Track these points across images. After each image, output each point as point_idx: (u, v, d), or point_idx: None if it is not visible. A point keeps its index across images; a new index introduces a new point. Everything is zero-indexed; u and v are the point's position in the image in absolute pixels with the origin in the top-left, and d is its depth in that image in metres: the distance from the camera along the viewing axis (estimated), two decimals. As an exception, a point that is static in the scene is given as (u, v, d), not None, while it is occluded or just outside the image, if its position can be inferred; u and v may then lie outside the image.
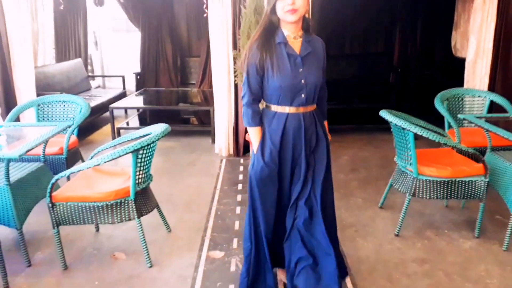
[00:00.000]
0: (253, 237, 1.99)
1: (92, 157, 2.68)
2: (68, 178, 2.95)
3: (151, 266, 2.44)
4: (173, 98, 6.04)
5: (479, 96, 3.67)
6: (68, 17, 6.16)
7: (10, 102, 4.27)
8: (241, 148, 4.43)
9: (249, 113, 1.92)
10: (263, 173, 1.90)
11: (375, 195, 3.33)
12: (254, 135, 1.95)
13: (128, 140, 2.72)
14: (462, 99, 3.68)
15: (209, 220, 3.00)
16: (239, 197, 3.38)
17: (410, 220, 2.97)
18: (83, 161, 3.46)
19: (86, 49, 6.70)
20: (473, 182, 2.66)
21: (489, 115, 3.33)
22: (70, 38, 6.28)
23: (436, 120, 3.39)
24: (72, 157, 3.30)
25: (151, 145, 2.38)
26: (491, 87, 4.21)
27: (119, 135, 5.13)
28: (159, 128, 2.50)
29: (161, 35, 6.87)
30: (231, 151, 4.46)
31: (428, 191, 2.69)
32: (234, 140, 4.43)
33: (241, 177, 3.84)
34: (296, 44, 1.87)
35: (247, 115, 1.93)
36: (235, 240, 2.71)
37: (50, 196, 2.31)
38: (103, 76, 7.35)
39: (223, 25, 4.12)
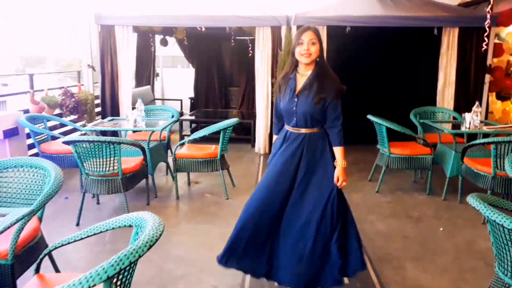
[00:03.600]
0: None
1: (183, 144, 4.44)
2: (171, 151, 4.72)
3: (227, 199, 4.15)
4: (220, 116, 7.86)
5: (442, 112, 5.36)
6: (143, 54, 8.15)
7: (114, 112, 6.15)
8: (275, 148, 6.15)
9: (274, 124, 2.68)
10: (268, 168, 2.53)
11: (367, 175, 4.96)
12: (274, 139, 2.66)
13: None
14: (432, 114, 5.34)
15: (257, 181, 4.70)
16: (275, 174, 5.07)
17: (388, 187, 4.60)
18: (171, 149, 5.23)
19: (153, 79, 8.67)
20: (424, 158, 4.31)
21: (443, 121, 5.00)
22: (143, 70, 8.26)
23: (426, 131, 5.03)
24: (168, 143, 5.07)
25: (231, 127, 4.14)
26: (456, 108, 5.84)
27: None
28: (231, 120, 4.25)
29: (210, 70, 8.83)
30: (267, 150, 6.19)
31: (395, 164, 4.34)
32: (269, 142, 6.17)
33: (275, 165, 5.54)
34: (302, 80, 2.37)
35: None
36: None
37: (175, 154, 4.08)
38: (163, 100, 9.30)
39: (265, 61, 5.95)
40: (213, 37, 8.31)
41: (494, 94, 7.10)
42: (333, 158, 2.40)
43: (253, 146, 6.50)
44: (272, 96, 5.96)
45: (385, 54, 7.60)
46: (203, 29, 6.34)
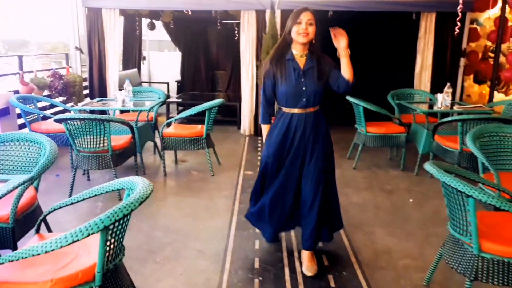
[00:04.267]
0: (257, 197, 2.73)
1: (169, 123, 4.62)
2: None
3: (213, 175, 4.36)
4: (207, 99, 8.00)
5: (418, 94, 5.62)
6: (130, 38, 8.22)
7: (102, 93, 6.28)
8: (259, 130, 6.36)
9: (262, 112, 2.63)
10: (268, 159, 2.59)
11: (346, 153, 5.21)
12: (263, 130, 2.67)
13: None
14: (410, 95, 5.59)
15: (242, 161, 4.93)
16: (259, 153, 5.30)
17: (365, 163, 4.86)
18: (158, 129, 5.39)
19: (139, 62, 8.75)
20: (398, 137, 4.58)
21: (419, 102, 5.27)
22: (130, 53, 8.34)
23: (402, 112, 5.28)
24: (155, 123, 5.24)
25: (216, 107, 4.33)
26: (433, 90, 6.10)
27: (170, 122, 7.09)
28: (217, 100, 4.44)
29: (197, 53, 8.94)
30: (252, 132, 6.40)
31: (372, 142, 4.60)
32: (254, 124, 6.37)
33: (259, 145, 5.76)
34: (301, 61, 2.43)
35: (261, 114, 2.66)
36: (258, 168, 4.61)
37: (162, 133, 4.27)
38: (150, 82, 9.39)
39: (250, 44, 6.12)
40: (199, 21, 8.41)
41: (471, 78, 7.39)
42: (329, 134, 2.61)
43: (239, 127, 6.69)
44: (257, 79, 6.15)
45: (366, 38, 7.78)
46: (190, 13, 6.45)
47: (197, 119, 4.79)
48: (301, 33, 2.35)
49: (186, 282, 2.48)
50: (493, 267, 2.01)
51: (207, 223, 3.26)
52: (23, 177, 2.15)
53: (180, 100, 7.70)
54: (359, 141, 4.72)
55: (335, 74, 2.43)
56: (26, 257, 1.54)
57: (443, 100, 4.51)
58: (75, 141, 3.60)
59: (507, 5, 5.71)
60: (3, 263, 1.59)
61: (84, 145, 3.61)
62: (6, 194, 1.98)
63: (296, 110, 2.46)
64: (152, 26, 8.55)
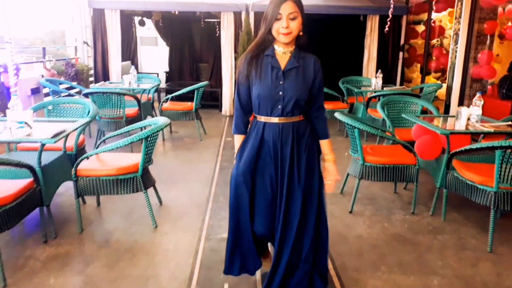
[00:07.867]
0: (232, 227, 2.15)
1: (167, 99, 5.90)
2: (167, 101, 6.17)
3: (201, 140, 5.68)
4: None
5: (365, 81, 7.05)
6: (124, 33, 9.40)
7: (105, 79, 7.48)
8: (237, 110, 7.68)
9: (235, 120, 2.10)
10: (238, 179, 2.06)
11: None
12: (236, 141, 2.13)
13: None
14: (357, 82, 7.00)
15: (224, 131, 6.27)
16: (237, 126, 6.64)
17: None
18: (153, 108, 6.66)
19: (132, 54, 9.94)
20: (342, 111, 5.96)
21: (364, 85, 6.70)
22: (125, 47, 9.52)
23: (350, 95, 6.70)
24: (152, 103, 6.49)
25: (202, 88, 5.63)
26: (377, 79, 7.55)
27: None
28: (203, 82, 5.74)
29: (183, 48, 10.20)
30: (232, 113, 7.72)
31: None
32: (233, 105, 7.69)
33: (237, 122, 7.10)
34: (283, 59, 1.93)
35: (233, 122, 2.12)
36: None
37: (161, 107, 5.55)
38: (141, 73, 10.58)
39: (229, 40, 7.43)
40: (185, 20, 9.66)
41: (418, 70, 8.89)
42: (319, 152, 2.15)
43: (221, 110, 7.99)
44: (235, 68, 7.47)
45: (325, 36, 9.19)
46: (177, 13, 7.72)
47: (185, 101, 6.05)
48: (283, 32, 1.88)
49: (186, 192, 3.81)
50: (371, 171, 3.40)
51: (198, 166, 4.59)
52: (83, 120, 3.41)
53: (168, 87, 8.95)
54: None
55: (317, 97, 2.06)
56: (105, 152, 2.85)
57: (375, 83, 5.93)
58: (99, 110, 4.85)
59: (433, 11, 7.19)
60: (91, 155, 2.88)
61: (105, 113, 4.87)
62: (76, 129, 3.24)
63: (270, 119, 1.99)
64: (142, 23, 9.78)
